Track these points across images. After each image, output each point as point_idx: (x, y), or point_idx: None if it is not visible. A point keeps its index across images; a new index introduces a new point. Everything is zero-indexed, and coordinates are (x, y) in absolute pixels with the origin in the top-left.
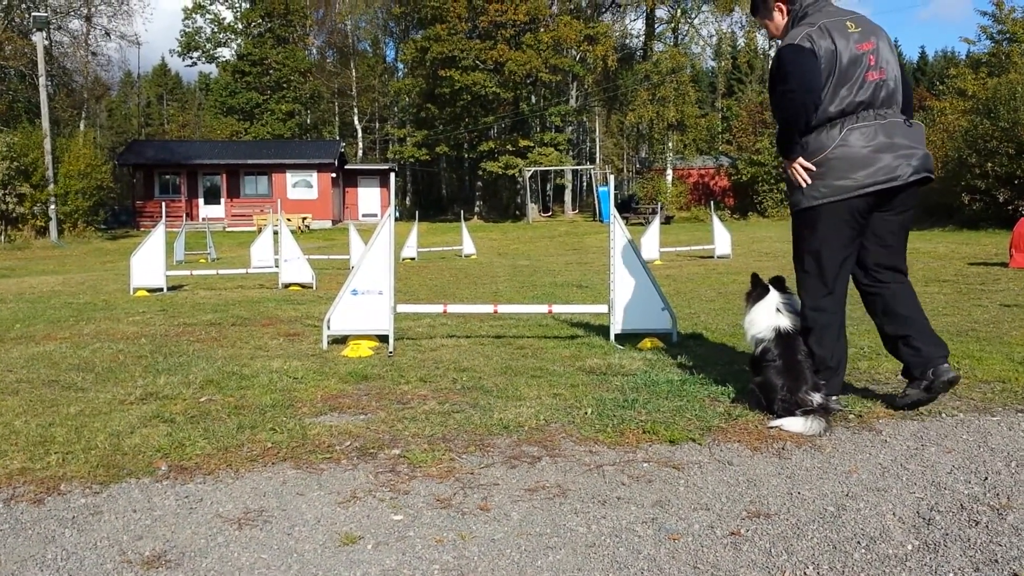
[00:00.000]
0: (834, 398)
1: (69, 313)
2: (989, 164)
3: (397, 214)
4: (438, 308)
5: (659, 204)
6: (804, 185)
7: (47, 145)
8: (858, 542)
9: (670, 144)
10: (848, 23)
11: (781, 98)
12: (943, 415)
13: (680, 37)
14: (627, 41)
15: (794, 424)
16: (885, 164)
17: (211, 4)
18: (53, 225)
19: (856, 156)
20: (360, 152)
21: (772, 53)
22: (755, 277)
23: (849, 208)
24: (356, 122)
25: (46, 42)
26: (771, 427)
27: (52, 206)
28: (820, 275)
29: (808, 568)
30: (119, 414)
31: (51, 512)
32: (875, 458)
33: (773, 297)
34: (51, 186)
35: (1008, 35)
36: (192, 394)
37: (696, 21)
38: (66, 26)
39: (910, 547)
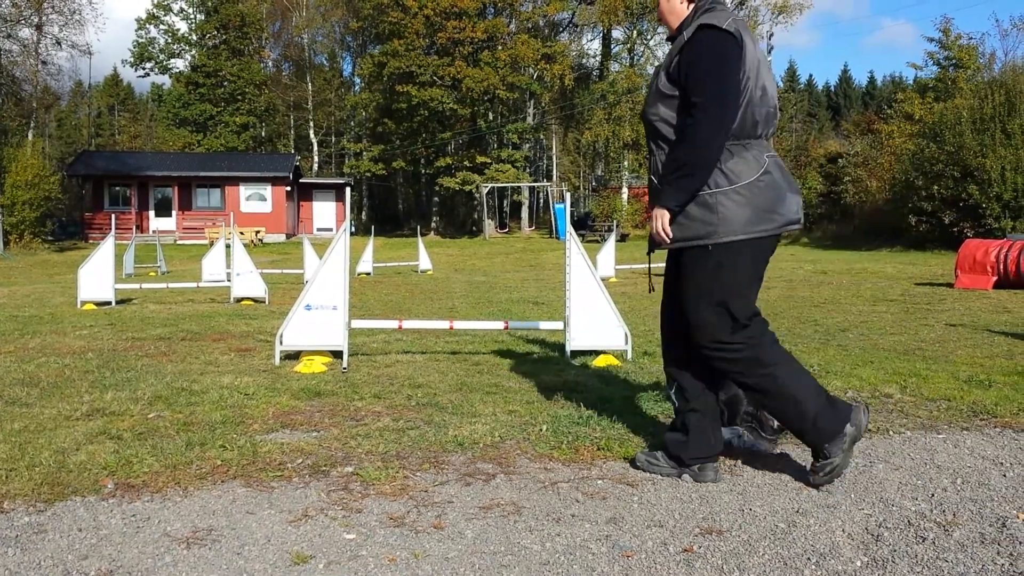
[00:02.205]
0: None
1: (14, 326)
2: (935, 187)
3: (352, 229)
4: (393, 324)
5: (615, 222)
6: (667, 240)
7: None
8: (808, 558)
9: (626, 163)
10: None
11: (696, 106)
12: (891, 433)
13: (636, 58)
14: (584, 61)
15: (725, 433)
16: (795, 201)
17: (165, 15)
18: None
19: (775, 184)
20: (315, 166)
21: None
22: None
23: (765, 244)
24: (312, 136)
25: None
26: None
27: None
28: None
29: None
30: (64, 430)
31: None
32: None
33: None
34: None
35: (954, 61)
36: (140, 410)
37: (651, 42)
38: (16, 34)
39: (859, 563)
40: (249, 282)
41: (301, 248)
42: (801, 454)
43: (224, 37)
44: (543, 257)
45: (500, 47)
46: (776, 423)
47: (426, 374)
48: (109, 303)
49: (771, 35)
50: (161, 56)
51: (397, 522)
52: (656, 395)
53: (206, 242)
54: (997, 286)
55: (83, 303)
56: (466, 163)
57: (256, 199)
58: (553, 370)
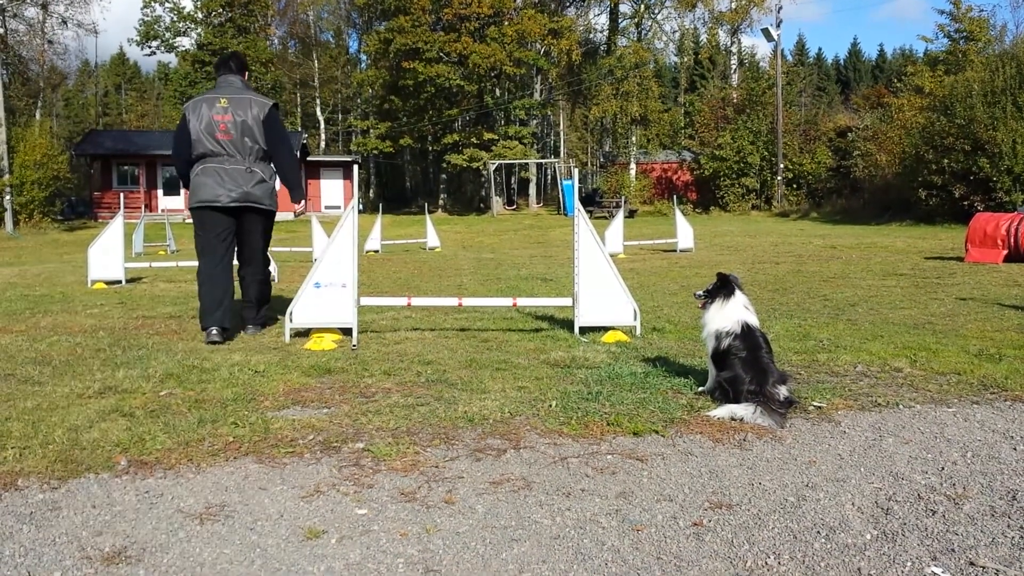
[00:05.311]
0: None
1: (25, 306)
2: (945, 160)
3: (361, 206)
4: (402, 301)
5: (623, 198)
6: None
7: (2, 135)
8: (818, 532)
9: (633, 139)
10: (222, 100)
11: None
12: (900, 407)
13: (643, 32)
14: (591, 36)
15: (740, 410)
16: (219, 189)
17: None
18: (8, 216)
19: (200, 184)
20: (323, 144)
21: (734, 49)
22: (721, 276)
23: (201, 212)
24: (319, 113)
25: (1, 30)
26: (716, 416)
27: (7, 197)
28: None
29: (769, 558)
30: (77, 408)
31: (8, 508)
32: (834, 449)
33: (740, 296)
34: (6, 176)
35: (965, 33)
36: (152, 388)
37: (659, 17)
38: (22, 14)
39: (869, 536)
40: None
41: (309, 226)
42: (811, 428)
43: (230, 15)
44: (551, 234)
45: (507, 22)
46: (783, 397)
47: (435, 351)
48: (119, 282)
49: (780, 8)
50: (167, 34)
51: (408, 497)
52: (665, 370)
53: None
54: (1007, 260)
55: (93, 282)
56: (473, 140)
57: None
58: (562, 346)
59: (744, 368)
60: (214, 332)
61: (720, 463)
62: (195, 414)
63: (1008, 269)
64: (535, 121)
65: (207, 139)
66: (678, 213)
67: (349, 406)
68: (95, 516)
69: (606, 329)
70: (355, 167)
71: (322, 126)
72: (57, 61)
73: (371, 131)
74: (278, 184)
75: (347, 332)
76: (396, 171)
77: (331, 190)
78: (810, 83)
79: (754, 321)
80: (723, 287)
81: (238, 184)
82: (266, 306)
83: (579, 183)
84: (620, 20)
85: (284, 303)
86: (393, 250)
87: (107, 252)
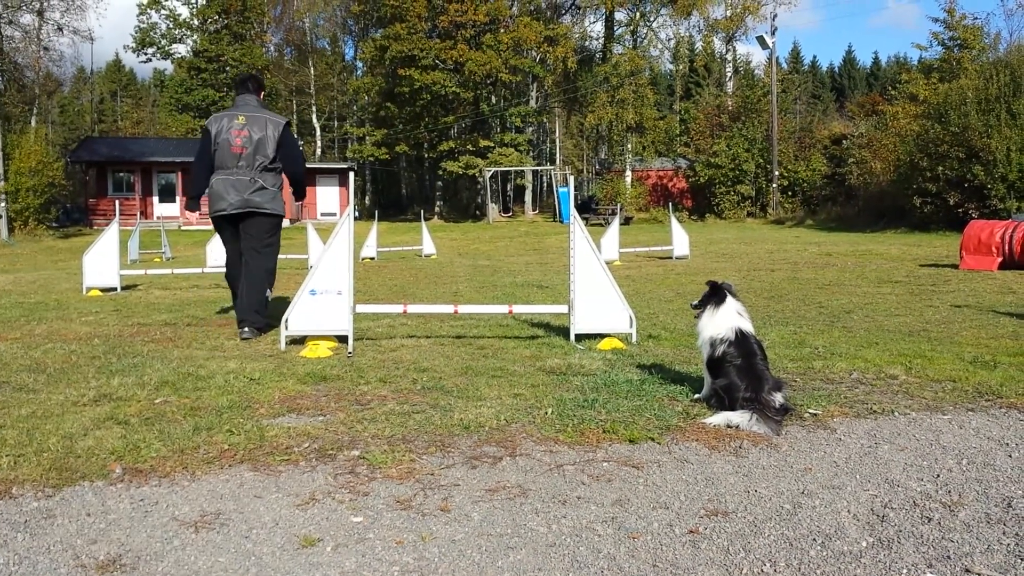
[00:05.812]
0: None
1: (20, 313)
2: (940, 168)
3: (356, 213)
4: (398, 308)
5: (618, 205)
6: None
7: None
8: (814, 539)
9: (629, 146)
10: (240, 117)
11: None
12: (896, 414)
13: (639, 40)
14: (586, 43)
15: (736, 417)
16: (225, 200)
17: (166, 0)
18: (3, 223)
19: (213, 195)
20: (318, 151)
21: (729, 57)
22: (712, 283)
23: (216, 221)
24: (314, 120)
25: None
26: (712, 424)
27: (2, 204)
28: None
29: (765, 566)
30: (72, 416)
31: (3, 516)
32: (830, 456)
33: (732, 302)
34: (1, 183)
35: (959, 41)
36: (147, 395)
37: (655, 24)
38: (17, 20)
39: (864, 544)
40: None
41: (305, 233)
42: (807, 435)
43: (225, 22)
44: (547, 241)
45: (502, 30)
46: (779, 404)
47: (431, 358)
48: (114, 289)
49: (774, 16)
50: (163, 41)
51: (404, 505)
52: (661, 378)
53: (210, 228)
54: (1002, 267)
55: (88, 289)
56: (469, 147)
57: None
58: (558, 354)
59: (739, 375)
60: (245, 331)
61: (716, 470)
62: (190, 422)
63: (1003, 276)
64: (531, 128)
65: (224, 151)
66: (674, 220)
67: (345, 414)
68: (90, 524)
69: (602, 336)
70: (351, 174)
71: (318, 133)
72: (53, 68)
73: (367, 138)
74: (284, 192)
75: (343, 339)
76: (392, 178)
77: (327, 197)
78: (805, 90)
79: (748, 328)
80: (714, 294)
81: (240, 193)
82: (265, 320)
83: (575, 190)
84: (616, 28)
85: (280, 310)
86: (389, 257)
87: (102, 259)
